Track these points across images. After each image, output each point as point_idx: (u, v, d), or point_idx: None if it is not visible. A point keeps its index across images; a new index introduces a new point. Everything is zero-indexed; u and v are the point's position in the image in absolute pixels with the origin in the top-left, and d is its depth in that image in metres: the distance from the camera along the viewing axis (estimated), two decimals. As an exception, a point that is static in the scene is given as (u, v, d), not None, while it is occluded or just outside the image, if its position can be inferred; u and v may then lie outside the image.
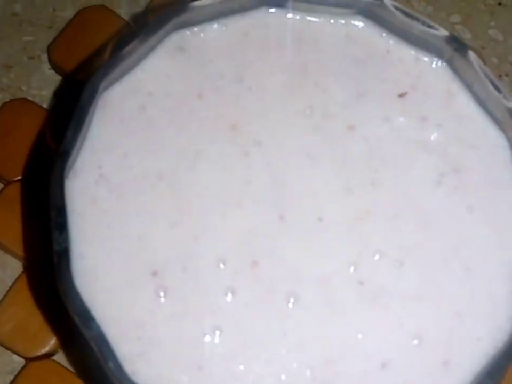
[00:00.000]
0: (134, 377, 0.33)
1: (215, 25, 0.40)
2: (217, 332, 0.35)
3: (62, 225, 0.33)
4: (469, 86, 0.39)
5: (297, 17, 0.40)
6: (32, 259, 0.48)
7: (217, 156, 0.38)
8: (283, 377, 0.35)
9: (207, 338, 0.35)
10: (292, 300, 0.36)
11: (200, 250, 0.36)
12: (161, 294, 0.35)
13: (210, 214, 0.37)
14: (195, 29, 0.40)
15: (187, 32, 0.40)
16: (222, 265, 0.36)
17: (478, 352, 0.35)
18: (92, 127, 0.37)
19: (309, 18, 0.40)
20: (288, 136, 0.38)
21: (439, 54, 0.40)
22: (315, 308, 0.36)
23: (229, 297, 0.36)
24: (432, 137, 0.39)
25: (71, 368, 0.47)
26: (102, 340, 0.33)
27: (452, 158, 0.38)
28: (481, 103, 0.39)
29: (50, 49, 0.53)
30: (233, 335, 0.35)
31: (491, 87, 0.38)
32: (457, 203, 0.38)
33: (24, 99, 0.52)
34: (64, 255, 0.33)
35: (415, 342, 0.36)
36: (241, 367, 0.35)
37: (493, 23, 0.53)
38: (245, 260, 0.36)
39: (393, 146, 0.38)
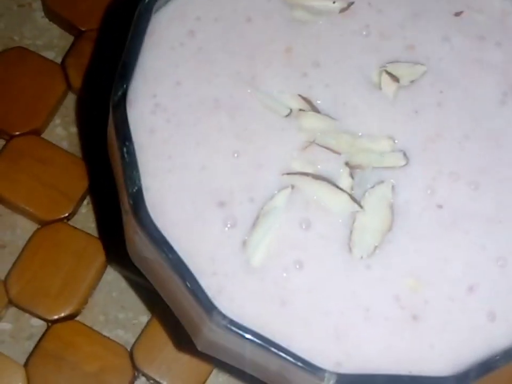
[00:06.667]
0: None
1: None
2: (297, 266, 0.33)
3: (133, 163, 0.31)
4: (524, 3, 0.38)
5: None
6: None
7: (274, 79, 0.35)
8: (370, 308, 0.33)
9: (288, 272, 0.33)
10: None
11: (265, 179, 0.34)
12: (229, 225, 0.33)
13: (272, 142, 0.34)
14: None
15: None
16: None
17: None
18: (141, 55, 0.34)
19: None
20: (346, 56, 0.36)
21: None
22: (396, 235, 0.34)
23: (304, 229, 0.33)
24: (492, 57, 0.37)
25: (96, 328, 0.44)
26: (187, 272, 0.30)
27: (513, 77, 0.37)
28: (539, 19, 0.38)
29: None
30: (314, 268, 0.33)
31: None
32: (524, 121, 0.36)
33: (21, 47, 0.49)
34: (139, 194, 0.31)
35: (499, 263, 0.34)
36: (326, 301, 0.33)
37: None
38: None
39: (455, 66, 0.37)
